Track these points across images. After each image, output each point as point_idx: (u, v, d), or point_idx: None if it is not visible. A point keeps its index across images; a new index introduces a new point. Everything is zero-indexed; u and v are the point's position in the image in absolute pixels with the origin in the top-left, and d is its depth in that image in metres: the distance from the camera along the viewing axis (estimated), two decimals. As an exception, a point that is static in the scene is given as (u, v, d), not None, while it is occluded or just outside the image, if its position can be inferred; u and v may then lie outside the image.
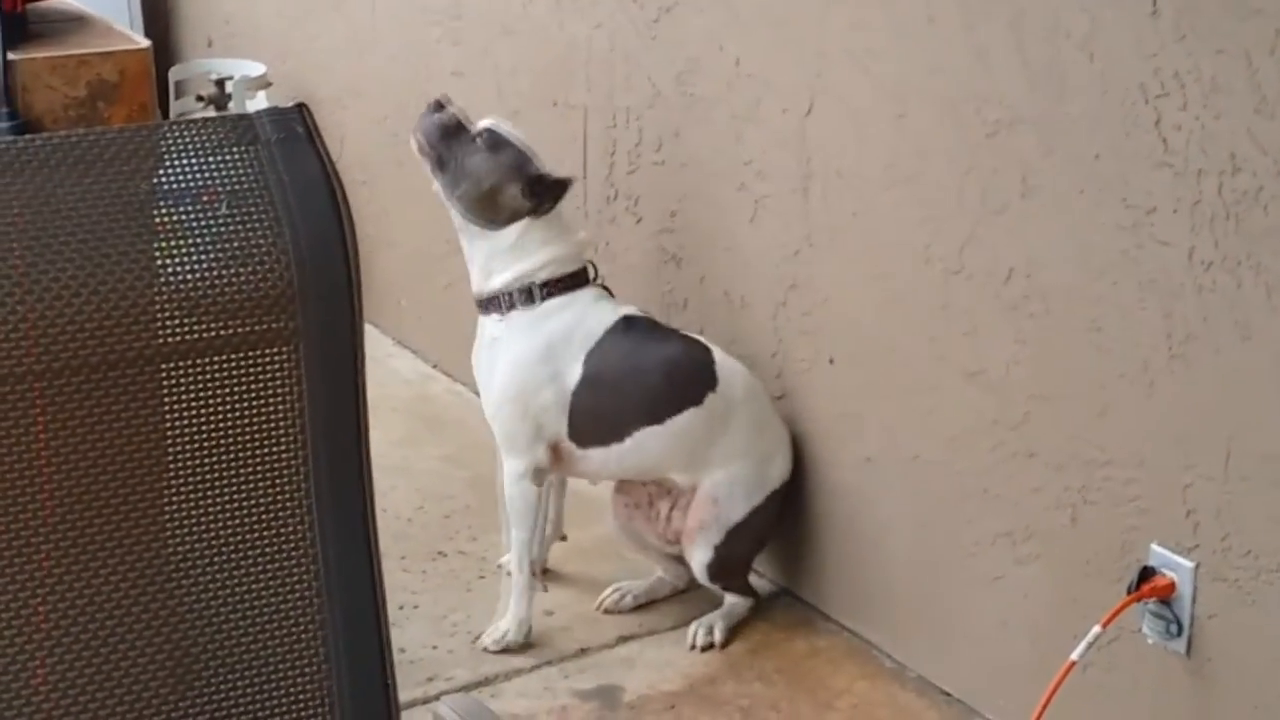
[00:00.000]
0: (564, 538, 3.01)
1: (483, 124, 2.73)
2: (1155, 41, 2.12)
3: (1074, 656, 2.20)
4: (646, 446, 2.72)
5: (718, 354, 2.78)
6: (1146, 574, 2.21)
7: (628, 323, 2.74)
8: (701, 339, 2.82)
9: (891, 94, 2.53)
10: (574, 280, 2.73)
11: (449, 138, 2.71)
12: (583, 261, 2.76)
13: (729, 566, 2.77)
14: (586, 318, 2.72)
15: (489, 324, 2.74)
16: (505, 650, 2.74)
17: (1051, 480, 2.38)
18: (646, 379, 2.73)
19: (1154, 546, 2.24)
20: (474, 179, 2.69)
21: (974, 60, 2.38)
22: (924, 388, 2.58)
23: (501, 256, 2.70)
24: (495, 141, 2.70)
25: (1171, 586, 2.20)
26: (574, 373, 2.69)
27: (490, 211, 2.70)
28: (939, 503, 2.59)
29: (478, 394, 2.83)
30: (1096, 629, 2.20)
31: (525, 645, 2.76)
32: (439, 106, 2.75)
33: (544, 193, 2.70)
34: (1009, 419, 2.44)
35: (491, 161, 2.69)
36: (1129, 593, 2.21)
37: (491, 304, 2.73)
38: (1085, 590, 2.35)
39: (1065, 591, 2.39)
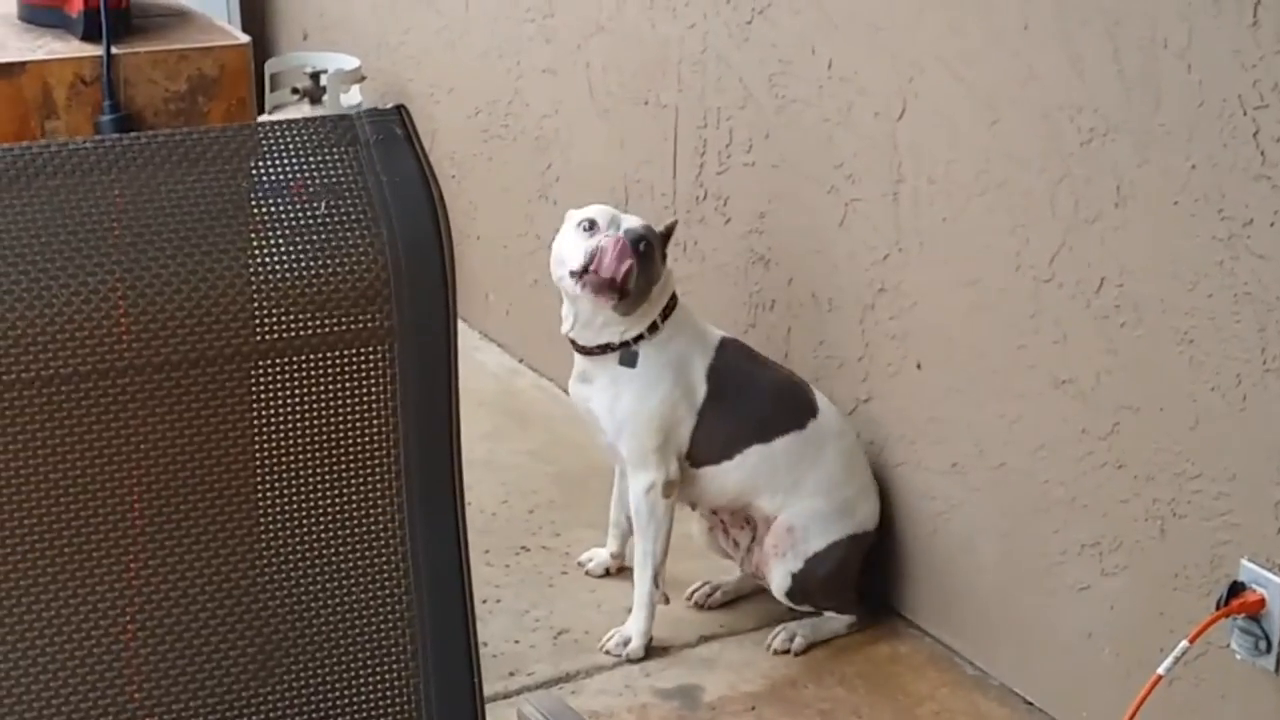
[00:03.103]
0: None
1: (626, 227, 2.66)
2: (1255, 52, 2.10)
3: (1160, 671, 2.18)
4: (751, 465, 2.75)
5: (813, 386, 2.83)
6: (1236, 589, 2.19)
7: (732, 342, 2.80)
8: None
9: (984, 100, 2.52)
10: (674, 297, 2.76)
11: (638, 270, 2.64)
12: None
13: (808, 592, 2.76)
14: (699, 331, 2.77)
15: (606, 361, 2.73)
16: (629, 659, 2.75)
17: (1141, 492, 2.37)
18: (760, 399, 2.76)
19: (1244, 562, 2.22)
20: (645, 286, 2.66)
21: (1069, 68, 2.36)
22: (1012, 395, 2.57)
23: (642, 309, 2.70)
24: (650, 245, 2.66)
25: (1261, 602, 2.17)
26: (701, 389, 2.73)
27: (649, 295, 2.70)
28: (1025, 511, 2.57)
29: (564, 390, 2.84)
30: (1184, 644, 2.18)
31: (644, 658, 2.76)
32: (631, 249, 2.63)
33: (663, 251, 2.72)
34: (1098, 429, 2.42)
35: (652, 260, 2.67)
36: (1218, 608, 2.19)
37: (623, 344, 2.71)
38: (1173, 604, 2.33)
39: (1152, 604, 2.37)
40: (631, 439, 2.73)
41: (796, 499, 2.75)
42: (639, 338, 2.71)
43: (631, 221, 2.69)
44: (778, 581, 2.76)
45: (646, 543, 2.75)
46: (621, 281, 2.62)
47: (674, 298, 2.76)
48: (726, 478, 2.77)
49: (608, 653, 2.75)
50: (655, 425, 2.71)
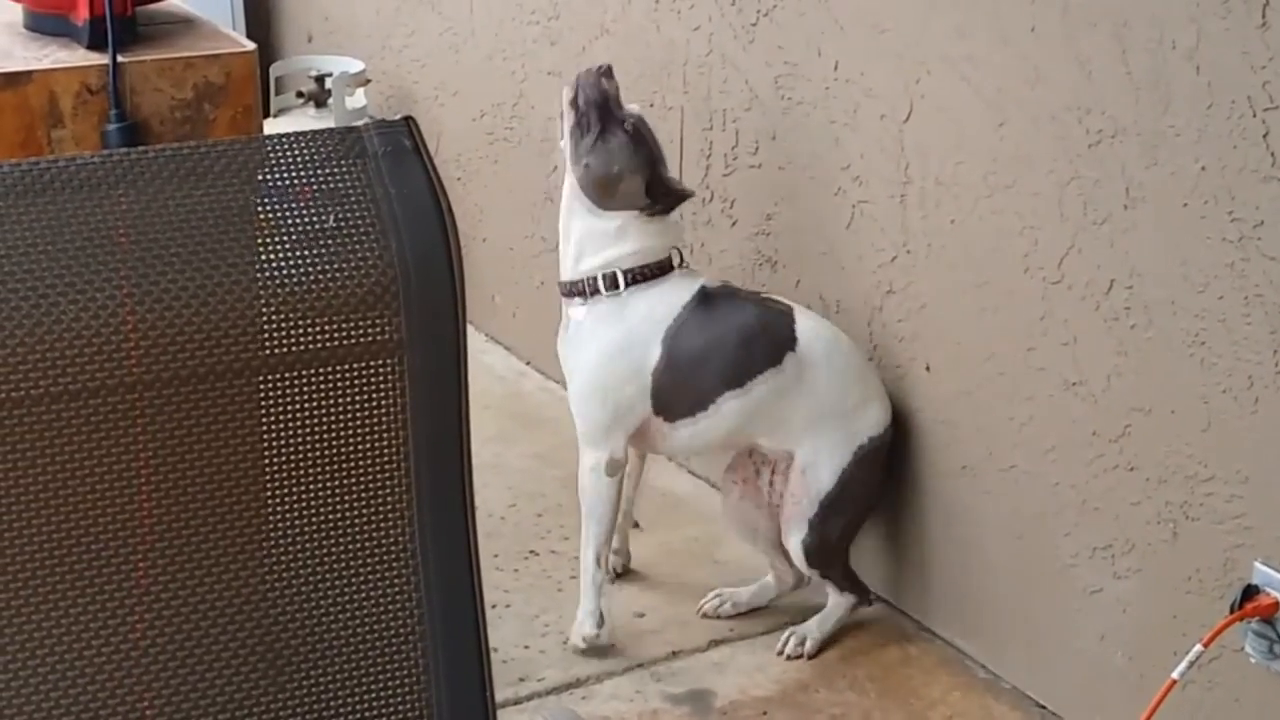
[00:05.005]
0: (636, 525, 3.02)
1: (633, 109, 2.74)
2: (1264, 54, 2.09)
3: (1175, 675, 2.17)
4: (731, 413, 2.71)
5: (800, 313, 2.75)
6: (1250, 592, 2.18)
7: (704, 295, 2.73)
8: (783, 300, 2.79)
9: (992, 102, 2.51)
10: (658, 269, 2.74)
11: (603, 106, 2.71)
12: (670, 251, 2.76)
13: (828, 547, 2.72)
14: (665, 297, 2.72)
15: (573, 309, 2.75)
16: (586, 642, 2.75)
17: (1152, 494, 2.36)
18: (725, 347, 2.71)
19: (1258, 564, 2.21)
20: (606, 158, 2.69)
21: (1077, 69, 2.35)
22: (1022, 397, 2.56)
23: (598, 239, 2.71)
24: (640, 133, 2.71)
25: (1275, 605, 2.16)
26: (654, 354, 2.70)
27: (606, 194, 2.71)
28: (1036, 513, 2.56)
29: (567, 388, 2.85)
30: (1198, 647, 2.17)
31: (607, 646, 2.76)
32: (609, 74, 2.73)
33: (663, 198, 2.72)
34: (1109, 431, 2.41)
35: (629, 150, 2.69)
36: (1231, 611, 2.18)
37: (575, 289, 2.74)
38: (1186, 607, 2.32)
39: (1165, 607, 2.36)
40: (582, 415, 2.74)
41: (800, 435, 2.70)
42: (611, 282, 2.70)
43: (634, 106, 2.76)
44: (796, 537, 2.71)
45: (590, 523, 2.76)
46: (585, 91, 2.69)
47: (659, 269, 2.72)
48: (707, 431, 2.73)
49: (576, 647, 2.75)
50: (600, 400, 2.71)
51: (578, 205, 2.73)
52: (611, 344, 2.70)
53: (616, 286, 2.71)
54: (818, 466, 2.70)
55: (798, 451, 2.72)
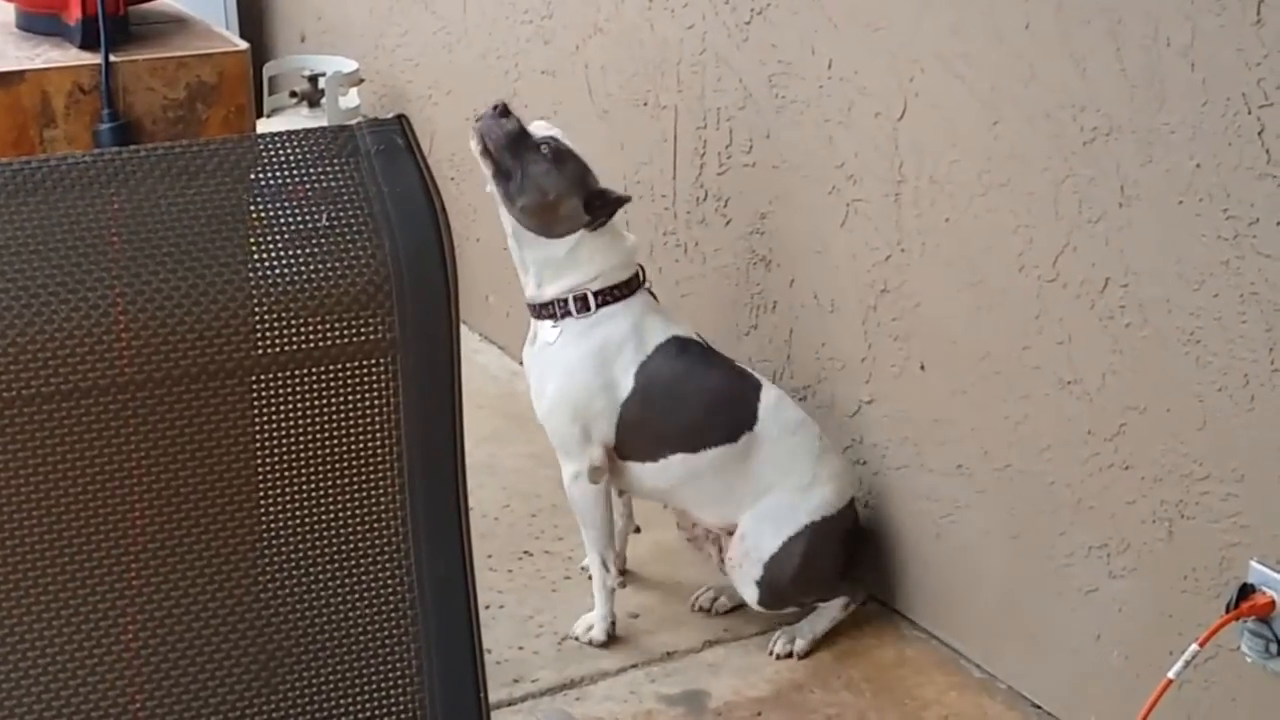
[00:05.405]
0: (638, 529, 3.02)
1: (543, 133, 2.70)
2: (1259, 51, 2.09)
3: (1170, 674, 2.16)
4: (676, 472, 2.73)
5: (768, 391, 2.77)
6: (1245, 591, 2.17)
7: (681, 344, 2.74)
8: (754, 373, 2.82)
9: (986, 100, 2.51)
10: (627, 287, 2.74)
11: (514, 145, 2.68)
12: (634, 268, 2.77)
13: (780, 595, 2.74)
14: (640, 329, 2.73)
15: (543, 328, 2.75)
16: (594, 644, 2.77)
17: (1148, 493, 2.35)
18: (691, 405, 2.73)
19: (1253, 563, 2.20)
20: (537, 190, 2.67)
21: (1071, 67, 2.35)
22: (1017, 396, 2.55)
23: (555, 266, 2.71)
24: (559, 153, 2.68)
25: (1271, 605, 2.16)
26: (625, 384, 2.71)
27: (548, 222, 2.69)
28: (1031, 513, 2.56)
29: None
30: (1194, 647, 2.16)
31: (610, 640, 2.78)
32: (505, 112, 2.70)
33: (603, 208, 2.71)
34: (1104, 430, 2.41)
35: (555, 174, 2.67)
36: (1227, 610, 2.17)
37: (545, 310, 2.74)
38: (1182, 606, 2.32)
39: (1161, 607, 2.36)
40: (553, 429, 2.75)
41: (736, 507, 2.73)
42: (582, 303, 2.69)
43: (542, 126, 2.73)
44: (748, 594, 2.74)
45: (588, 530, 2.78)
46: (489, 139, 2.66)
47: (627, 288, 2.73)
48: (652, 479, 2.76)
49: (576, 639, 2.77)
50: (571, 415, 2.71)
51: (525, 237, 2.72)
52: (584, 360, 2.71)
53: (588, 308, 2.71)
54: (760, 534, 2.72)
55: (740, 521, 2.74)
